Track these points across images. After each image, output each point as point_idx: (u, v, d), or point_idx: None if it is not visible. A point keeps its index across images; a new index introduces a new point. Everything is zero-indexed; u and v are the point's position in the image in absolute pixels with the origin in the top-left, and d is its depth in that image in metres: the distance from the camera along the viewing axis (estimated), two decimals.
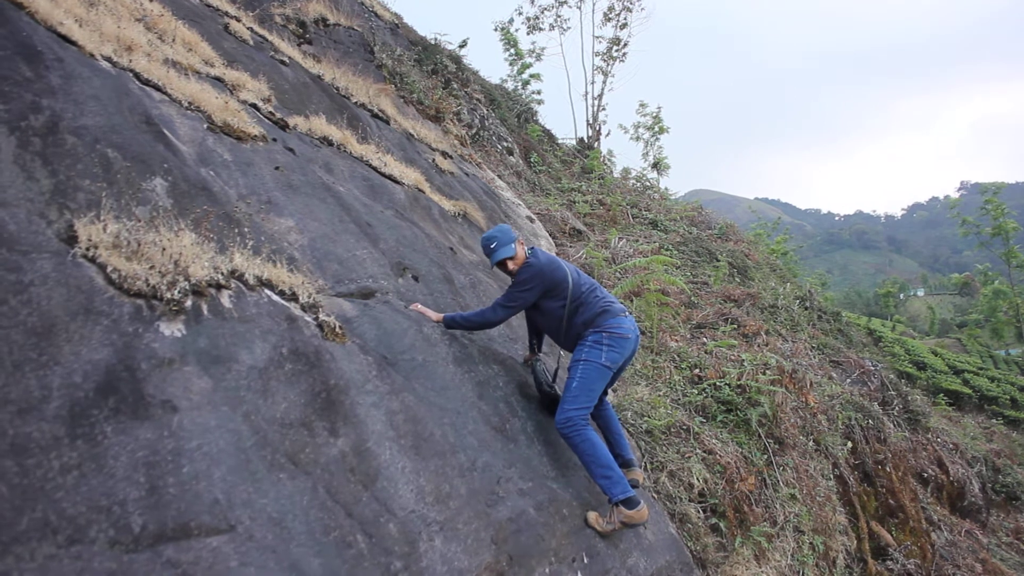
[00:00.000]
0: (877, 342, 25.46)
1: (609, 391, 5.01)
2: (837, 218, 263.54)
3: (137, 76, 4.25)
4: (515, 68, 21.98)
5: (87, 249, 2.76)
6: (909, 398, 12.97)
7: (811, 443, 7.83)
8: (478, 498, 3.53)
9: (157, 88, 4.37)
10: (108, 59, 4.05)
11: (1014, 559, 11.99)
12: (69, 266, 2.66)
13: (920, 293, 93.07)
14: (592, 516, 4.22)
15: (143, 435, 2.41)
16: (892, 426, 10.97)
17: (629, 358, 4.64)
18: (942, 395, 21.15)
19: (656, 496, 5.42)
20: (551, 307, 4.63)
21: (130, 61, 4.29)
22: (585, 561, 3.93)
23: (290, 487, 2.68)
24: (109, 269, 2.75)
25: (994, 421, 21.00)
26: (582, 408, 4.31)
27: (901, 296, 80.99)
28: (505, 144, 14.61)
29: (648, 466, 5.65)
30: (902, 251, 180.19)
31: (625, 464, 4.81)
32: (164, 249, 3.00)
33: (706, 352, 8.20)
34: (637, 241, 12.42)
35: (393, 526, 2.95)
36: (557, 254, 9.65)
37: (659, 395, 6.65)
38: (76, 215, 2.88)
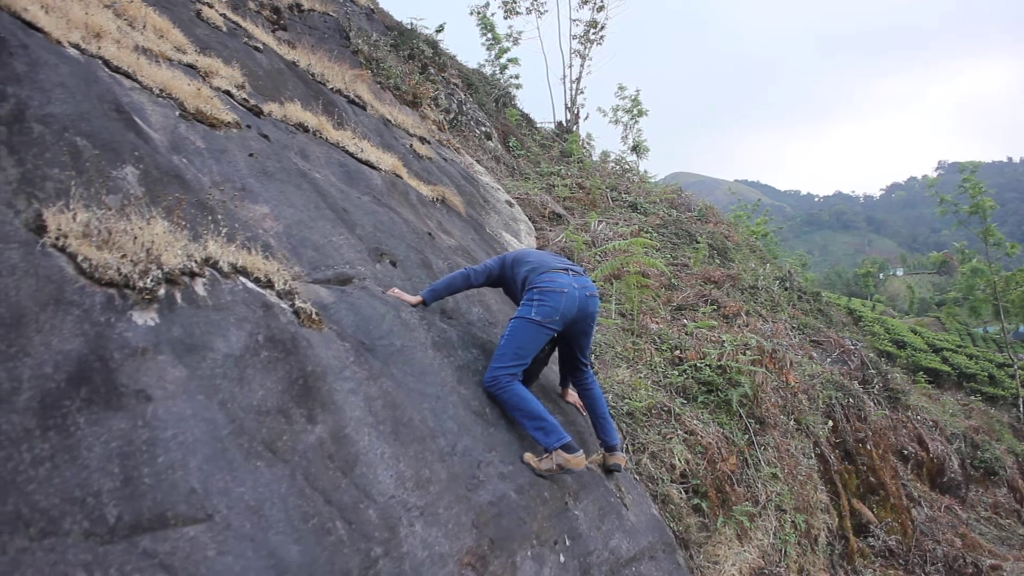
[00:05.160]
0: (857, 322, 25.73)
1: (590, 371, 4.98)
2: (817, 199, 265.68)
3: (106, 63, 4.18)
4: (492, 52, 21.90)
5: (56, 239, 2.71)
6: (889, 376, 13.10)
7: (792, 422, 7.89)
8: (458, 482, 3.53)
9: (127, 75, 4.30)
10: (76, 46, 3.98)
11: (992, 533, 12.15)
12: (38, 256, 2.61)
13: (899, 272, 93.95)
14: (527, 455, 4.15)
15: (117, 425, 2.38)
16: (872, 404, 11.07)
17: (580, 318, 4.54)
18: (921, 373, 21.40)
19: (638, 478, 5.44)
20: (517, 273, 4.72)
21: (99, 48, 4.21)
22: (567, 543, 3.94)
23: (268, 475, 2.66)
24: (79, 258, 2.70)
25: (972, 398, 21.28)
26: (509, 367, 4.27)
27: (880, 276, 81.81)
28: (483, 129, 14.57)
29: (630, 448, 5.67)
30: (881, 231, 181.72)
31: (609, 448, 4.81)
32: (136, 237, 2.95)
33: (686, 333, 8.23)
34: (617, 224, 12.45)
35: (373, 512, 2.94)
36: (537, 238, 9.65)
37: (640, 377, 6.67)
38: (45, 204, 2.83)
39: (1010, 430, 19.03)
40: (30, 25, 3.69)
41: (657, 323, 8.54)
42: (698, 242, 13.41)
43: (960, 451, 13.98)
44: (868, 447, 9.63)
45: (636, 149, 22.65)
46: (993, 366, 26.86)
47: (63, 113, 3.33)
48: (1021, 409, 22.00)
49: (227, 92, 5.40)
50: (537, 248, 7.62)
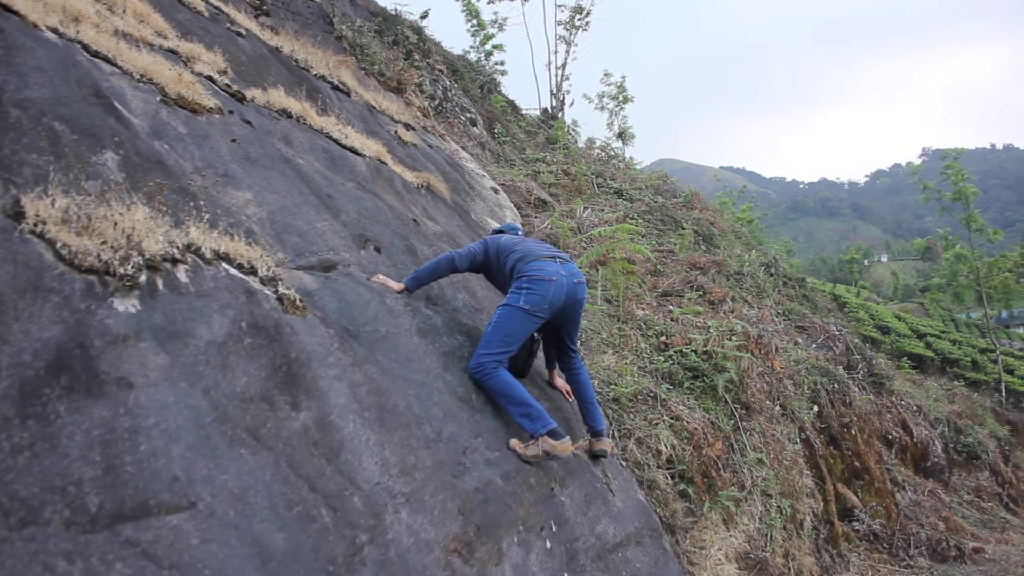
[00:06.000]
0: (842, 307, 25.89)
1: (578, 356, 4.97)
2: (802, 186, 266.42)
3: (85, 48, 4.12)
4: (477, 39, 21.72)
5: (35, 225, 2.67)
6: (873, 362, 13.18)
7: (777, 408, 7.92)
8: (444, 469, 3.52)
9: (107, 60, 4.24)
10: (54, 30, 3.92)
11: (975, 516, 12.29)
12: (16, 242, 2.58)
13: (884, 259, 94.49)
14: (513, 441, 4.14)
15: (98, 413, 2.35)
16: (857, 390, 11.13)
17: (568, 304, 4.54)
18: (906, 358, 21.54)
19: (624, 463, 5.45)
20: (504, 261, 4.70)
21: (77, 32, 4.15)
22: (554, 529, 3.94)
23: (252, 462, 2.64)
24: (59, 245, 2.67)
25: (955, 383, 21.44)
26: (495, 354, 4.27)
27: (865, 262, 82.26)
28: (468, 115, 14.51)
29: (616, 433, 5.68)
30: (866, 218, 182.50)
31: (595, 434, 4.81)
32: (116, 224, 2.92)
33: (672, 319, 8.24)
34: (602, 210, 12.43)
35: (358, 499, 2.93)
36: (522, 224, 9.62)
37: (626, 363, 6.67)
38: (23, 190, 2.79)
39: (992, 415, 19.20)
40: (5, 7, 3.63)
41: (643, 309, 8.54)
42: (683, 228, 13.41)
43: (943, 435, 14.10)
44: (853, 432, 9.69)
45: (622, 136, 22.59)
46: (976, 351, 27.09)
47: (41, 97, 3.28)
48: (1003, 394, 22.22)
49: (209, 78, 5.34)
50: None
